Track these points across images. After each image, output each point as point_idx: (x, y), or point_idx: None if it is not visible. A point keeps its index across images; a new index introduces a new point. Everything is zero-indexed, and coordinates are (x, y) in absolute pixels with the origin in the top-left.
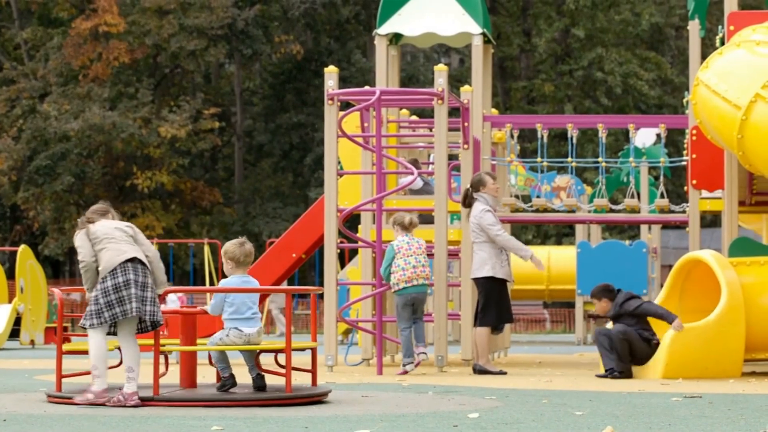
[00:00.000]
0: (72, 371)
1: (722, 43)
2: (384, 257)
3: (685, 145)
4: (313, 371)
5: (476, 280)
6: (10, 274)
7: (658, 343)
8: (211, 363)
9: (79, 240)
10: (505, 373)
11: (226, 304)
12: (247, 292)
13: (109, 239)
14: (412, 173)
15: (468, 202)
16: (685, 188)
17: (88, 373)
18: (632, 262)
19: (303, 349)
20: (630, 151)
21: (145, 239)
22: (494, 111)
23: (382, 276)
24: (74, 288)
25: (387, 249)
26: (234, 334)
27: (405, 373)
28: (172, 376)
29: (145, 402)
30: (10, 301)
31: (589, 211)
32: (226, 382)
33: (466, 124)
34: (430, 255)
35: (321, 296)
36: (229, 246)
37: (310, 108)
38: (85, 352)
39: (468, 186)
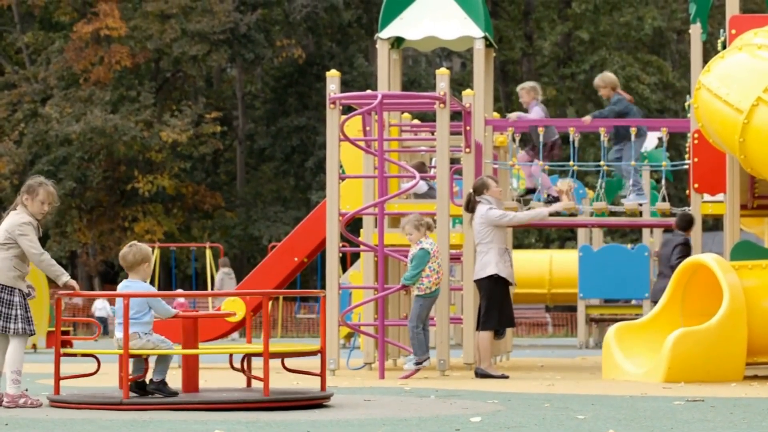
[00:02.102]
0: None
1: (724, 47)
2: (417, 260)
3: (687, 149)
4: (322, 375)
5: (479, 282)
6: None
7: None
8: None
9: None
10: (507, 377)
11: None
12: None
13: None
14: (414, 177)
15: (471, 207)
16: (687, 192)
17: (89, 374)
18: (634, 265)
19: (302, 354)
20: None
21: (23, 241)
22: (496, 115)
23: (408, 279)
24: (76, 293)
25: (420, 253)
26: (115, 338)
27: (415, 372)
28: (174, 380)
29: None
30: None
31: (591, 215)
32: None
33: (467, 127)
34: None
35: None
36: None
37: (312, 112)
38: (85, 356)
39: (470, 191)
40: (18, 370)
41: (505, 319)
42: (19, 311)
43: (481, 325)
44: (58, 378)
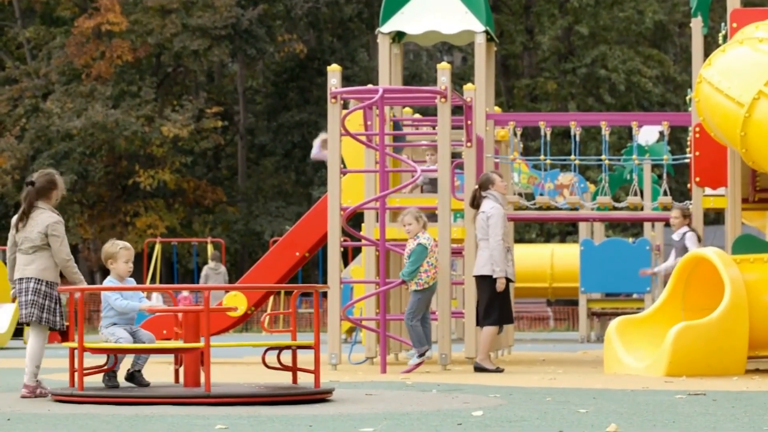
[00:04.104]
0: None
1: (725, 41)
2: (415, 256)
3: (688, 143)
4: (316, 371)
5: (481, 278)
6: None
7: None
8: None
9: None
10: (502, 371)
11: None
12: (255, 289)
13: None
14: (415, 171)
15: (476, 203)
16: (689, 186)
17: (89, 371)
18: (635, 259)
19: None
20: (633, 148)
21: (55, 242)
22: (497, 109)
23: (406, 275)
24: (77, 288)
25: (418, 248)
26: None
27: (419, 364)
28: (172, 375)
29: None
30: (13, 301)
31: (592, 209)
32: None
33: (469, 122)
34: None
35: (324, 294)
36: None
37: (313, 107)
38: (86, 350)
39: (476, 187)
40: (39, 364)
41: (505, 316)
42: (58, 306)
43: (481, 321)
44: (72, 371)
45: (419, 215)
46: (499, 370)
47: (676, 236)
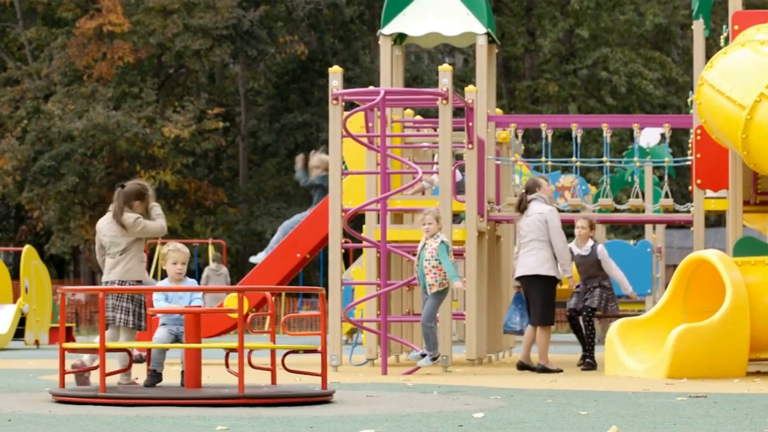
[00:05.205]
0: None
1: (726, 43)
2: (445, 254)
3: (690, 145)
4: (323, 374)
5: (536, 278)
6: (15, 275)
7: None
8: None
9: None
10: (561, 371)
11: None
12: (258, 290)
13: None
14: (416, 173)
15: (523, 206)
16: (690, 188)
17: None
18: (637, 261)
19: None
20: (634, 150)
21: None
22: (498, 111)
23: (454, 275)
24: (79, 288)
25: (443, 246)
26: None
27: (419, 368)
28: (177, 375)
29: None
30: (14, 302)
31: (594, 211)
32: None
33: (470, 124)
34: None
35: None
36: None
37: (315, 108)
38: (86, 351)
39: (522, 191)
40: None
41: (553, 315)
42: (138, 308)
43: (542, 320)
44: (63, 372)
45: (440, 217)
46: (560, 371)
47: (582, 250)
